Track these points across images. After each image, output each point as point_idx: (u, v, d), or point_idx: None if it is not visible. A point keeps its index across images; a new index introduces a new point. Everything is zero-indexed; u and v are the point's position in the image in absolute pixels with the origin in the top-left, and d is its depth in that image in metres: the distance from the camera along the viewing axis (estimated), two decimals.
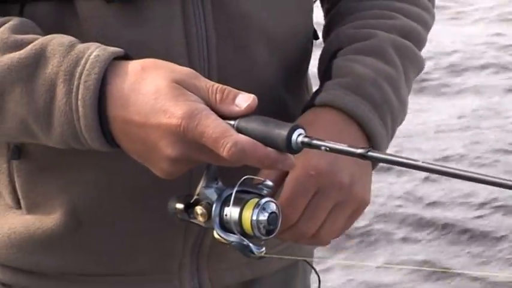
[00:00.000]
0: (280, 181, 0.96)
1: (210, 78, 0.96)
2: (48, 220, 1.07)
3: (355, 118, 1.02)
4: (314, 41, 1.20)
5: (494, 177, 0.80)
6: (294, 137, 0.84)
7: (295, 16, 1.14)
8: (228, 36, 1.05)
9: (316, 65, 1.12)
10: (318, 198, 0.98)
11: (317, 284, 1.15)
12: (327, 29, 1.16)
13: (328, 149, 0.84)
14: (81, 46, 0.94)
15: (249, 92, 0.90)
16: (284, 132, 0.85)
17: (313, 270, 1.22)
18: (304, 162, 0.96)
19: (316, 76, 1.10)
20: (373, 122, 1.03)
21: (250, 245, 0.92)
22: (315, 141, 0.84)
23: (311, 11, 1.19)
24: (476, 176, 0.79)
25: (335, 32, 1.12)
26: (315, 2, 1.20)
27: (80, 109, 0.90)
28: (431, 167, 0.81)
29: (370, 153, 0.82)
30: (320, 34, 1.20)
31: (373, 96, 1.04)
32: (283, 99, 1.09)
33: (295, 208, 0.97)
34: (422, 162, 0.81)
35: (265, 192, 0.93)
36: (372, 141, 1.02)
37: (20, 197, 1.07)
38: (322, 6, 1.23)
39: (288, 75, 1.12)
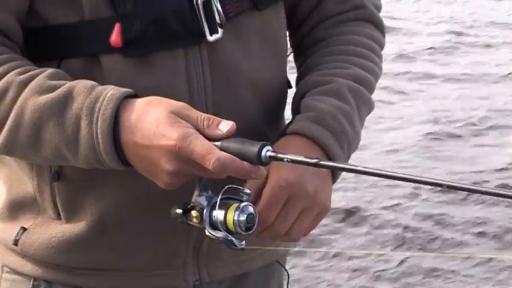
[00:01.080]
0: (260, 191, 1.14)
1: (206, 111, 1.15)
2: (80, 227, 1.25)
3: (318, 143, 1.20)
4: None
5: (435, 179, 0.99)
6: (263, 152, 1.03)
7: (273, 68, 1.34)
8: (221, 83, 1.24)
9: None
10: (288, 204, 1.15)
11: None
12: (299, 78, 1.35)
13: (289, 160, 1.03)
14: (100, 87, 1.13)
15: (238, 126, 1.09)
16: (255, 149, 1.04)
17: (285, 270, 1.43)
18: (277, 176, 1.15)
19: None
20: (333, 147, 1.21)
21: (233, 239, 1.10)
22: (279, 155, 1.04)
23: (285, 64, 1.39)
24: (414, 178, 0.99)
25: (304, 80, 1.30)
26: (288, 56, 1.39)
27: (99, 136, 1.08)
28: (370, 171, 1.01)
29: (321, 162, 1.02)
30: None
31: (333, 127, 1.22)
32: (264, 131, 1.27)
33: (270, 212, 1.15)
34: (363, 167, 1.01)
35: (245, 198, 1.10)
36: (332, 160, 1.19)
37: (60, 210, 1.25)
38: (295, 61, 1.42)
39: (268, 113, 1.32)
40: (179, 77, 1.22)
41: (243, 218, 1.08)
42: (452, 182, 1.02)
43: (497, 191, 0.99)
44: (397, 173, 1.04)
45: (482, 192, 1.19)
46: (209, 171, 1.04)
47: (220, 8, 1.24)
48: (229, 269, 1.30)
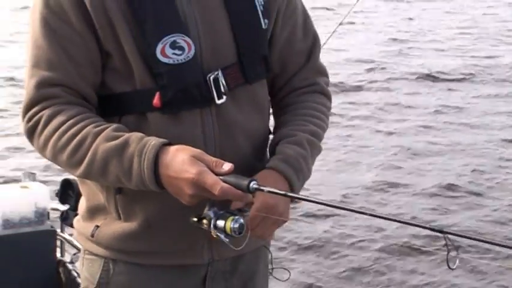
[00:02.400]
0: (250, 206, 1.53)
1: (214, 154, 1.52)
2: (133, 225, 1.63)
3: (285, 176, 1.62)
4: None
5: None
6: (251, 185, 1.41)
7: (260, 122, 1.74)
8: (225, 133, 1.63)
9: None
10: (265, 219, 1.57)
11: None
12: (275, 129, 1.76)
13: (267, 191, 1.43)
14: (146, 138, 1.48)
15: (235, 163, 1.46)
16: (246, 182, 1.42)
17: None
18: (261, 200, 1.55)
19: None
20: (294, 180, 1.62)
21: (227, 240, 1.48)
22: (261, 187, 1.42)
23: (268, 119, 1.78)
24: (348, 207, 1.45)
25: (278, 132, 1.72)
26: (269, 116, 1.79)
27: (145, 171, 1.46)
28: (317, 200, 1.43)
29: (288, 194, 1.49)
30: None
31: (295, 166, 1.64)
32: (254, 164, 1.67)
33: (254, 223, 1.54)
34: (313, 198, 1.44)
35: (242, 213, 1.49)
36: (292, 189, 1.60)
37: (121, 214, 1.64)
38: (274, 117, 1.83)
39: (256, 152, 1.72)
40: (197, 129, 1.61)
41: (236, 226, 1.47)
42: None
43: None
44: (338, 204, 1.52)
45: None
46: (215, 196, 1.43)
47: (224, 82, 1.62)
48: (231, 251, 1.59)
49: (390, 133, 7.89)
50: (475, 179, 6.51)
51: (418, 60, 10.71)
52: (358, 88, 9.54)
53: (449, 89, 9.41)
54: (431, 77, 9.75)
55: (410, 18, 14.01)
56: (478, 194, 6.22)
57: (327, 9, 13.27)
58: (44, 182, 3.13)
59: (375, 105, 8.84)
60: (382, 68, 10.42)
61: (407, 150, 7.25)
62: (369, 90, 9.39)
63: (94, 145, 1.52)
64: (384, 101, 8.82)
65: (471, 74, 9.88)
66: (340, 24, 4.08)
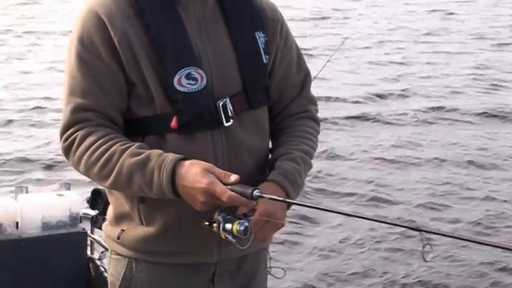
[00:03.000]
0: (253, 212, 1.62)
1: (222, 168, 1.60)
2: (153, 229, 1.73)
3: (283, 188, 1.72)
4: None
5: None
6: (254, 193, 1.52)
7: (261, 142, 1.85)
8: (232, 151, 1.73)
9: None
10: (266, 224, 1.67)
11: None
12: (273, 148, 1.87)
13: (268, 198, 1.53)
14: (165, 154, 1.58)
15: (240, 176, 1.55)
16: (249, 191, 1.52)
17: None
18: (263, 207, 1.65)
19: None
20: (290, 190, 1.72)
21: (234, 241, 1.58)
22: (263, 195, 1.52)
23: (268, 139, 1.88)
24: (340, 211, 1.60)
25: (276, 150, 1.83)
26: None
27: (164, 182, 1.56)
28: (309, 204, 1.59)
29: (286, 200, 1.60)
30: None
31: (291, 179, 1.74)
32: (258, 178, 1.75)
33: (257, 227, 1.63)
34: (303, 203, 1.56)
35: (246, 217, 1.58)
36: (288, 197, 1.69)
37: (143, 219, 1.73)
38: (272, 137, 1.92)
39: (258, 167, 1.81)
40: (208, 147, 1.72)
41: (241, 228, 1.58)
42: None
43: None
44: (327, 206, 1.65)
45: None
46: (224, 202, 1.54)
47: (231, 108, 1.72)
48: (237, 251, 1.71)
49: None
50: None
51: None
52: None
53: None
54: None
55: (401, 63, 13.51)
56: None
57: (316, 48, 13.57)
58: (77, 191, 3.22)
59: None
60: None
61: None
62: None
63: (120, 160, 1.62)
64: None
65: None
66: (328, 61, 4.25)
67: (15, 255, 2.90)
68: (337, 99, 10.23)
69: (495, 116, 9.32)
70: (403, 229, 1.63)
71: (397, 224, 1.65)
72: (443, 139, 8.16)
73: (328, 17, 18.90)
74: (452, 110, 9.52)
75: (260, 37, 1.83)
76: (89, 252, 3.19)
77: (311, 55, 12.08)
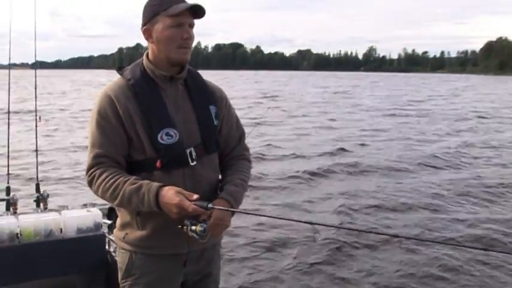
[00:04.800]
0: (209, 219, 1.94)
1: (190, 191, 1.90)
2: (146, 232, 2.08)
3: (228, 202, 2.03)
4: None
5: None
6: (208, 205, 1.88)
7: (214, 175, 2.18)
8: (196, 180, 2.06)
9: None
10: (218, 226, 1.99)
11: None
12: (222, 178, 2.18)
13: (218, 208, 1.91)
14: (151, 183, 1.92)
15: (200, 196, 1.89)
16: (205, 204, 1.88)
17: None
18: (216, 214, 1.96)
19: None
20: (233, 204, 2.05)
21: (197, 237, 1.90)
22: (214, 206, 1.90)
23: (219, 173, 2.20)
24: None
25: (224, 180, 2.16)
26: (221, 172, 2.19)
27: (151, 200, 1.90)
28: (249, 212, 2.04)
29: (231, 209, 1.97)
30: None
31: (234, 197, 2.07)
32: (212, 198, 2.02)
33: (212, 227, 1.96)
34: (245, 210, 2.00)
35: (205, 222, 1.91)
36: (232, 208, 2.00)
37: (139, 226, 2.07)
38: (221, 171, 2.22)
39: (213, 191, 2.13)
40: (180, 179, 2.03)
41: (201, 229, 1.90)
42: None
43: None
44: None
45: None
46: (190, 212, 1.86)
47: (195, 154, 2.06)
48: (200, 245, 2.04)
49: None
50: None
51: None
52: None
53: None
54: None
55: None
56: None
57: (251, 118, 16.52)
58: (99, 208, 3.70)
59: None
60: None
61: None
62: None
63: (123, 188, 1.95)
64: None
65: None
66: (254, 127, 4.97)
67: (59, 251, 3.32)
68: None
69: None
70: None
71: (297, 221, 2.03)
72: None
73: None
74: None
75: (212, 109, 2.17)
76: (107, 247, 3.52)
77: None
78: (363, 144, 13.53)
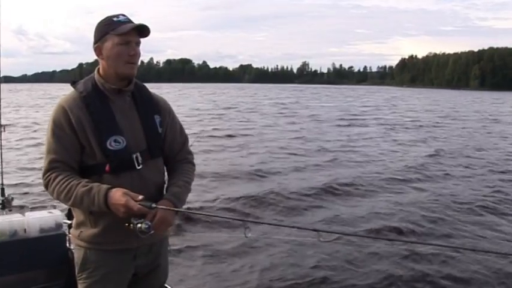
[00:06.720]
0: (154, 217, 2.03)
1: (137, 192, 1.95)
2: (98, 230, 2.11)
3: (172, 202, 2.08)
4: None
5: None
6: (152, 205, 1.95)
7: (160, 177, 2.21)
8: (142, 182, 2.10)
9: None
10: (163, 222, 2.05)
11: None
12: (168, 180, 2.21)
13: (162, 208, 1.97)
14: (101, 185, 1.96)
15: (147, 197, 1.95)
16: (150, 204, 1.95)
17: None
18: (160, 214, 2.02)
19: None
20: (177, 204, 2.10)
21: (142, 235, 1.98)
22: (158, 206, 1.97)
23: (164, 176, 2.23)
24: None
25: (169, 182, 2.19)
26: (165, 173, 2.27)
27: (101, 201, 1.95)
28: (193, 212, 2.46)
29: (174, 209, 2.04)
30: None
31: (177, 197, 2.12)
32: (158, 198, 2.07)
33: (156, 225, 2.02)
34: (189, 210, 2.17)
35: (150, 220, 1.98)
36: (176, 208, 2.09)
37: (92, 223, 2.11)
38: (167, 174, 2.24)
39: (158, 192, 2.17)
40: (128, 181, 2.06)
41: (146, 226, 1.97)
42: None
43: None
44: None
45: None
46: (135, 212, 1.93)
47: (141, 158, 2.10)
48: (147, 240, 2.07)
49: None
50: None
51: None
52: None
53: None
54: None
55: None
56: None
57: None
58: (59, 209, 3.74)
59: None
60: None
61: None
62: None
63: (76, 190, 2.00)
64: None
65: None
66: (198, 136, 5.06)
67: (24, 250, 3.34)
68: None
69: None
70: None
71: (234, 218, 2.18)
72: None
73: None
74: None
75: (157, 118, 2.25)
76: (68, 245, 3.56)
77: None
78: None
